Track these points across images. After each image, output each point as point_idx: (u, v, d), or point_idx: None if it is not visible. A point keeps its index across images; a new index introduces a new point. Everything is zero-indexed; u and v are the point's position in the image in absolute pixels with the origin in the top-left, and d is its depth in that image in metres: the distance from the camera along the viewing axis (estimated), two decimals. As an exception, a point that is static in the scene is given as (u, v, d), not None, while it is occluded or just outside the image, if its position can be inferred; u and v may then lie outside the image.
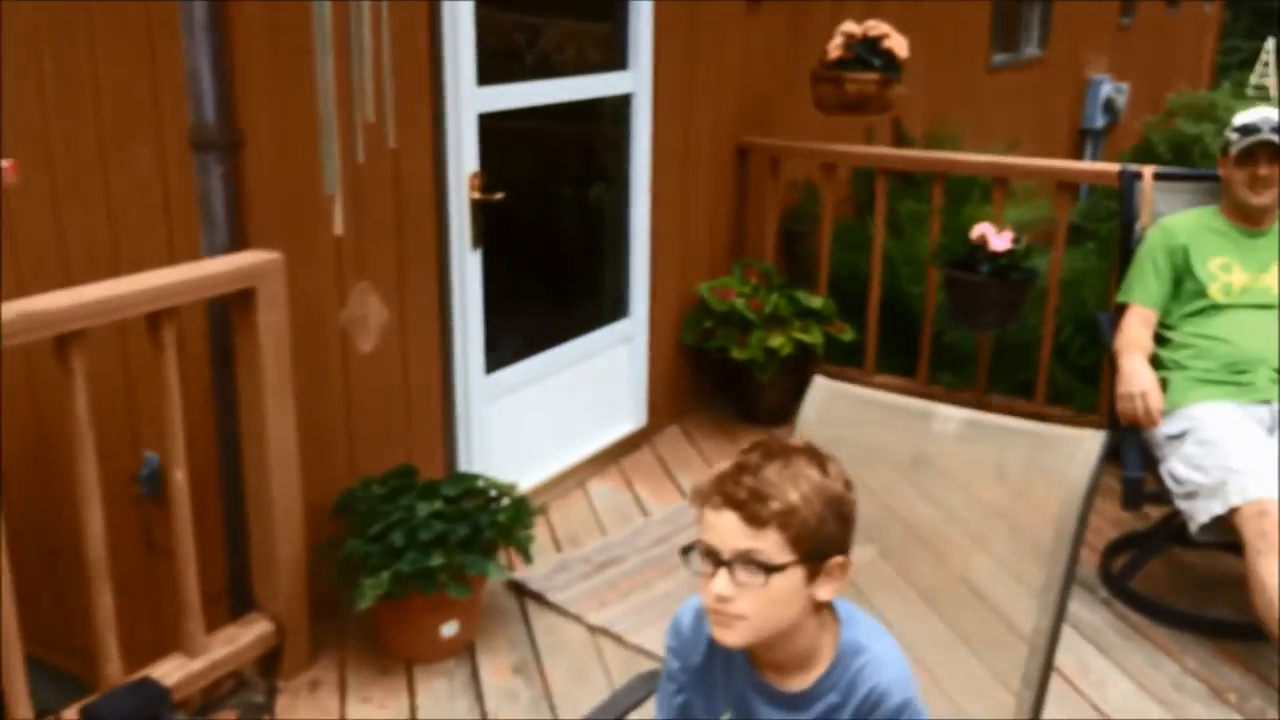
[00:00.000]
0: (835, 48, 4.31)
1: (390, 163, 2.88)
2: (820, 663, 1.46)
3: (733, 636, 1.41)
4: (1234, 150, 3.04)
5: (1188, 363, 3.02)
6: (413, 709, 2.69)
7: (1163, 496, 2.90)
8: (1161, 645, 2.97)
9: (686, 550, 1.45)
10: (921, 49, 6.15)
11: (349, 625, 2.93)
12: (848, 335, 4.38)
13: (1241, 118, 3.09)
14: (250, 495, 2.66)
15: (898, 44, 4.27)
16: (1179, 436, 2.89)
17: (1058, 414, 4.05)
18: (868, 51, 4.27)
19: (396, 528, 2.69)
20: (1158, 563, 3.33)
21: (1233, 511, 2.66)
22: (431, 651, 2.83)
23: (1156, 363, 3.11)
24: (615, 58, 3.81)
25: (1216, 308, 3.04)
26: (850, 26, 4.33)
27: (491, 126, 3.22)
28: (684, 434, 4.34)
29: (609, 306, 4.04)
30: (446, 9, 2.99)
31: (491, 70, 3.19)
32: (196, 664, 2.55)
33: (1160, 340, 3.13)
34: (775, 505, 1.38)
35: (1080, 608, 3.14)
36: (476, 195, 3.19)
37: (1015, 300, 3.83)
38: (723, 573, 1.39)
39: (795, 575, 1.39)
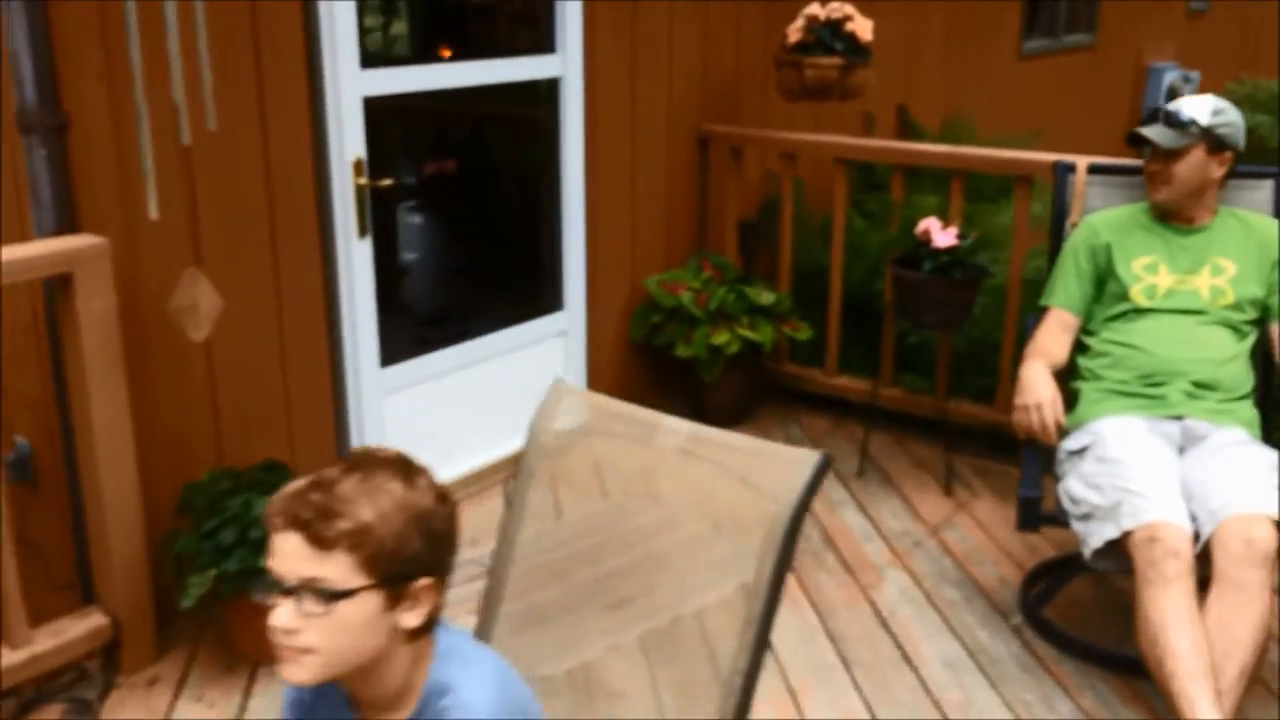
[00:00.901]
0: (795, 30, 4.09)
1: (232, 145, 2.80)
2: (410, 702, 1.32)
3: (301, 673, 1.28)
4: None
5: (1102, 372, 2.77)
6: (243, 709, 2.61)
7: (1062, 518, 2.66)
8: (1062, 681, 2.72)
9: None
10: (937, 34, 5.88)
11: (206, 622, 2.86)
12: (803, 334, 4.17)
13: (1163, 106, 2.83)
14: (84, 486, 2.60)
15: (861, 27, 4.04)
16: (1080, 453, 2.64)
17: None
18: (830, 35, 4.05)
19: (229, 524, 2.61)
20: (1090, 589, 3.08)
21: (1125, 536, 2.41)
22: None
23: (1075, 372, 2.85)
24: (544, 40, 3.67)
25: (1138, 312, 2.78)
26: (814, 9, 4.11)
27: (413, 107, 3.13)
28: (629, 433, 4.18)
29: (541, 298, 3.91)
30: (321, -12, 2.90)
31: (419, 47, 3.10)
32: (18, 655, 2.51)
33: (1081, 348, 2.88)
34: (344, 524, 1.24)
35: (988, 636, 2.91)
36: (362, 181, 3.09)
37: (960, 300, 3.59)
38: (286, 603, 1.25)
39: (370, 602, 1.26)
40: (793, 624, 2.97)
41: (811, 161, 4.45)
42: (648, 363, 4.27)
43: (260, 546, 2.57)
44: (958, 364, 4.06)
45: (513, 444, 3.83)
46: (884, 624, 2.98)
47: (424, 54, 3.26)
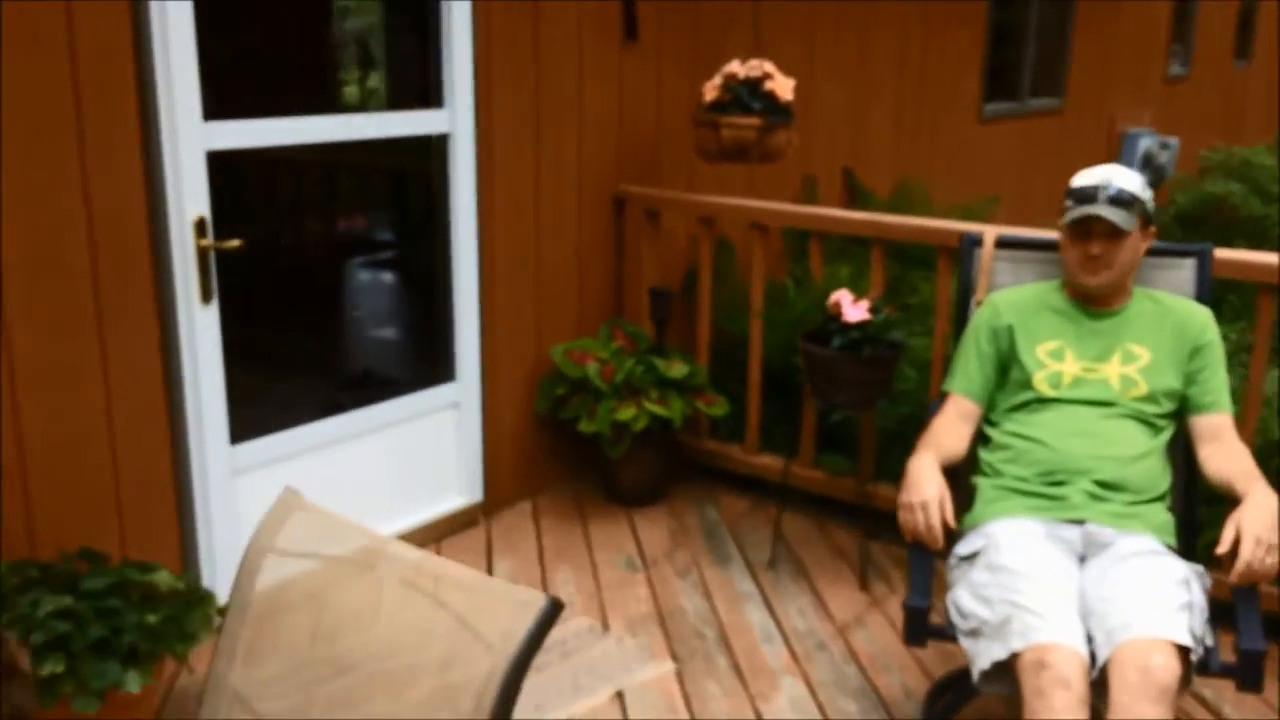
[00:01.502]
0: (712, 89, 3.87)
1: (44, 200, 2.55)
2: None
3: None
4: (1066, 220, 2.51)
5: (1001, 467, 2.48)
6: (16, 840, 2.31)
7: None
8: (955, 815, 2.41)
9: None
10: (889, 95, 5.67)
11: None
12: (718, 409, 3.89)
13: (1079, 178, 2.55)
14: None
15: (780, 86, 3.81)
16: (971, 559, 2.35)
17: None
18: (748, 94, 3.82)
19: (14, 625, 2.32)
20: (1003, 705, 2.77)
21: (1013, 657, 2.11)
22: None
23: (975, 467, 2.57)
24: (430, 94, 3.44)
25: (1042, 402, 2.50)
26: (733, 66, 3.89)
27: (281, 158, 2.89)
28: (532, 513, 3.89)
29: (427, 368, 3.64)
30: (156, 33, 2.66)
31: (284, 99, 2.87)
32: None
33: (983, 439, 2.60)
34: None
35: (881, 757, 2.60)
36: (205, 243, 2.83)
37: (872, 378, 3.31)
38: None
39: None
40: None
41: (740, 226, 4.21)
42: (554, 437, 3.99)
43: (43, 653, 2.28)
44: (883, 444, 3.78)
45: (396, 524, 3.59)
46: (766, 743, 2.67)
47: (286, 105, 3.01)
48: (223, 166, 2.86)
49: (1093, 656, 2.10)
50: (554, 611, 1.22)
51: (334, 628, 1.34)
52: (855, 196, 5.48)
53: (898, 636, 3.12)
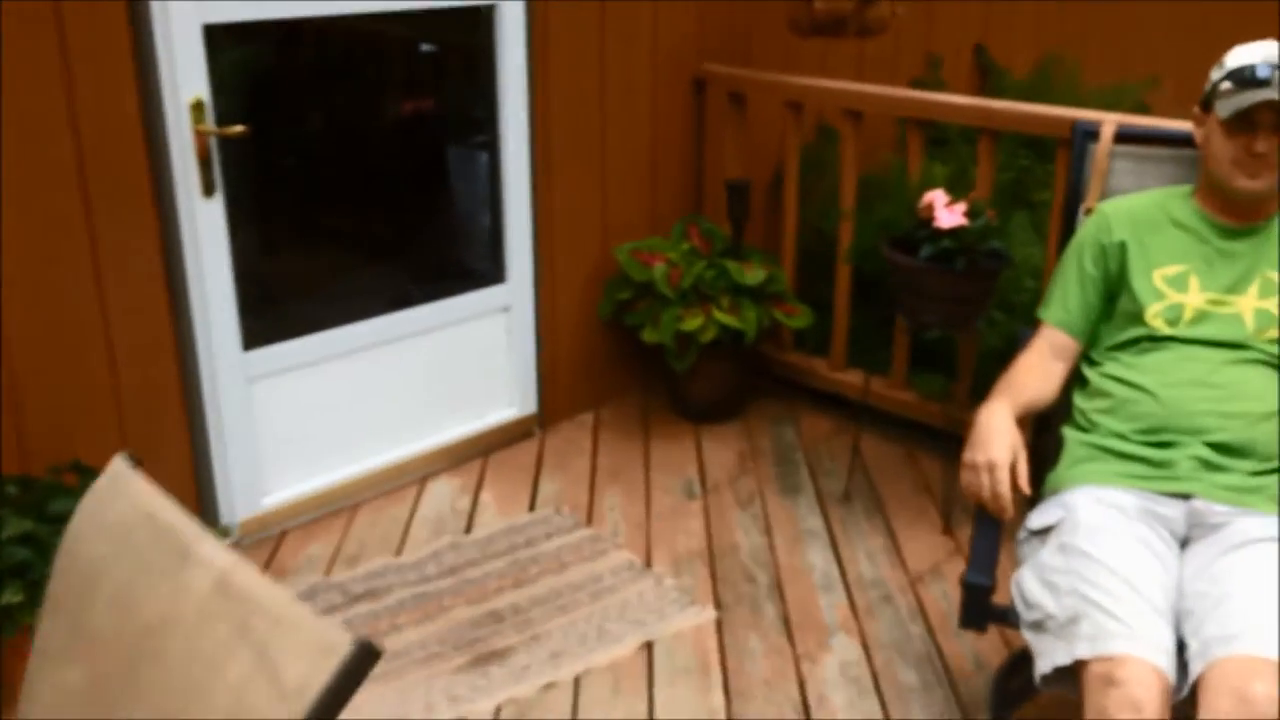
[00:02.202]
0: (805, -48, 3.36)
1: (16, 83, 2.30)
2: None
3: None
4: (1221, 109, 1.99)
5: (1096, 418, 2.04)
6: (-16, 772, 2.18)
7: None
8: (1012, 821, 2.06)
9: None
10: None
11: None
12: (799, 320, 3.48)
13: (1239, 55, 2.02)
14: None
15: (882, -53, 3.28)
16: (1043, 533, 1.94)
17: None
18: (845, -43, 3.30)
19: (-25, 548, 2.15)
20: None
21: (1078, 665, 1.72)
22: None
23: (1069, 415, 2.13)
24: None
25: (1154, 340, 2.03)
26: (832, -75, 3.36)
27: (321, 30, 2.62)
28: (592, 426, 3.59)
29: (475, 268, 3.34)
30: (135, -109, 2.35)
31: None
32: None
33: (1079, 380, 2.15)
34: None
35: (935, 742, 2.26)
36: (204, 128, 2.56)
37: (967, 295, 2.85)
38: None
39: None
40: (684, 705, 2.36)
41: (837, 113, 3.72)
42: (620, 344, 3.66)
43: (4, 580, 2.12)
44: (988, 364, 3.31)
45: (438, 437, 3.32)
46: (805, 717, 2.35)
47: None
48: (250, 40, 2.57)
49: (1183, 669, 1.68)
50: (362, 662, 0.91)
51: (134, 645, 1.06)
52: (987, 77, 4.87)
53: (979, 592, 2.73)
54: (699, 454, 3.42)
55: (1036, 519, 1.97)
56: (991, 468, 1.93)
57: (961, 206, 2.80)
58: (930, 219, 2.82)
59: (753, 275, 3.39)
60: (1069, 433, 2.08)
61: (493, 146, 3.24)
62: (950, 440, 3.18)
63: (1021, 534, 2.00)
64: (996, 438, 1.96)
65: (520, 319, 3.38)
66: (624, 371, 3.72)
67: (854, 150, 3.35)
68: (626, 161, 3.51)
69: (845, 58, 4.05)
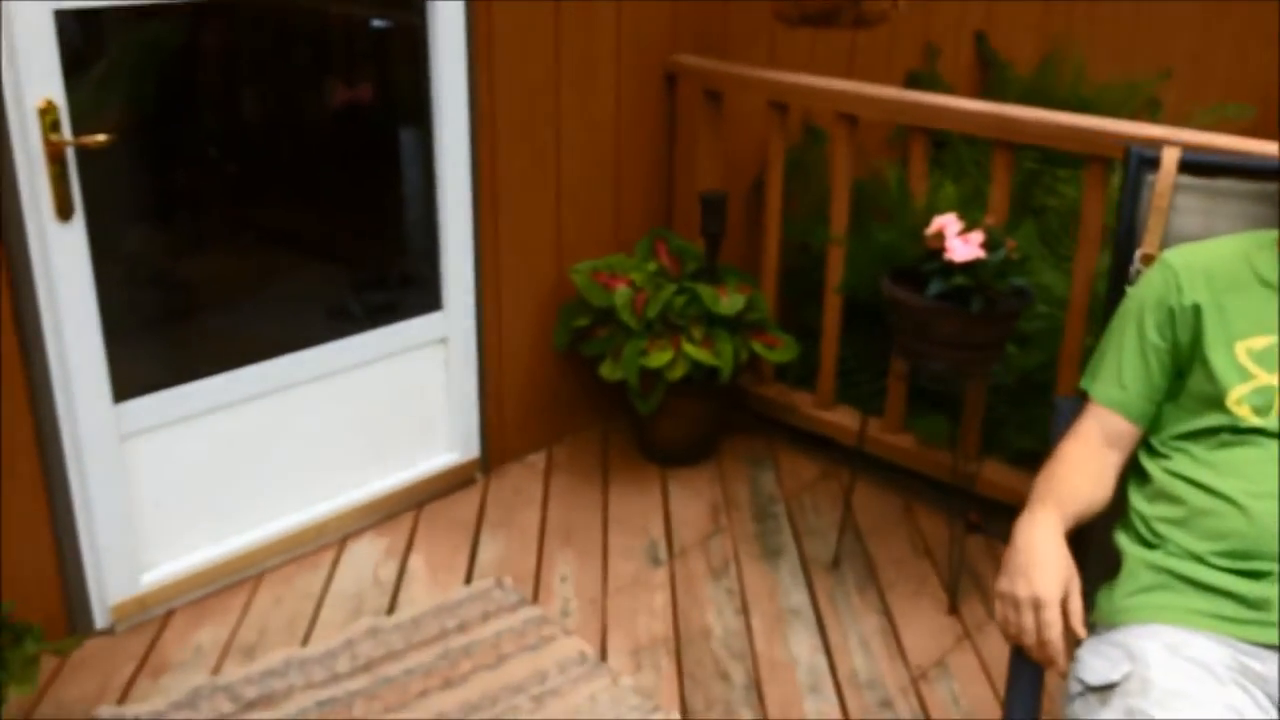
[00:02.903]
0: (793, -74, 2.90)
1: None
2: None
3: None
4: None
5: (1164, 531, 1.60)
6: None
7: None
8: None
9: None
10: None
11: None
12: (782, 354, 3.04)
13: None
14: None
15: (883, -75, 2.82)
16: (1104, 692, 1.50)
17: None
18: (840, -67, 2.84)
19: None
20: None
21: None
22: None
23: (1122, 516, 1.70)
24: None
25: (1237, 433, 1.59)
26: (824, -102, 2.90)
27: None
28: (544, 469, 3.14)
29: (404, 294, 2.88)
30: None
31: None
32: None
33: (1137, 471, 1.71)
34: None
35: None
36: (57, 139, 2.08)
37: (983, 339, 2.42)
38: None
39: None
40: None
41: (828, 115, 3.28)
42: (576, 376, 3.21)
43: None
44: (997, 406, 2.89)
45: (359, 492, 2.77)
46: None
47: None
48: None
49: None
50: None
51: None
52: (989, 70, 4.42)
53: (993, 691, 2.32)
54: (665, 505, 2.98)
55: (1093, 669, 1.53)
56: (1038, 606, 1.49)
57: (977, 236, 2.35)
58: (940, 250, 2.38)
59: (729, 303, 2.94)
60: (1127, 545, 1.65)
61: (427, 151, 2.77)
62: (954, 495, 2.76)
63: (1073, 686, 1.56)
64: (1044, 566, 1.52)
65: (460, 351, 2.93)
66: (582, 405, 3.28)
67: (847, 159, 2.90)
68: (586, 167, 3.05)
69: (835, 48, 3.60)
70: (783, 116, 3.03)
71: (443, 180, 2.76)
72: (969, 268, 2.34)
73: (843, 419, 3.11)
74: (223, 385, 2.48)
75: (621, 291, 2.95)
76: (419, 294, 2.85)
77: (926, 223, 2.47)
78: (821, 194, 3.52)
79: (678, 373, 2.89)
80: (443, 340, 2.88)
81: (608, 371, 2.94)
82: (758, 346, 3.01)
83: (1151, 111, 4.54)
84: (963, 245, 2.35)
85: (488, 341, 2.97)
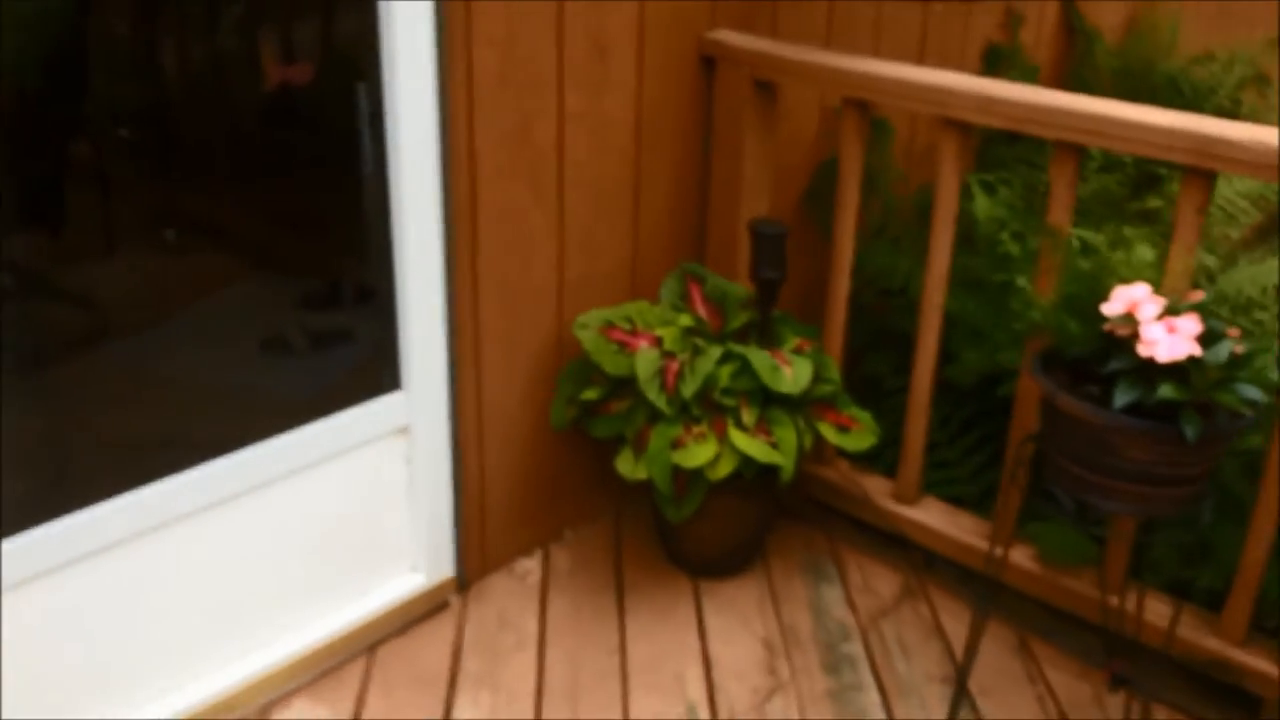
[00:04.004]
0: None
1: None
2: None
3: None
4: None
5: None
6: None
7: None
8: None
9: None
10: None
11: None
12: (859, 440, 2.27)
13: None
14: None
15: None
16: None
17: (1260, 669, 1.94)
18: None
19: None
20: None
21: None
22: None
23: None
24: None
25: None
26: None
27: None
28: (539, 584, 2.38)
29: (350, 371, 2.10)
30: None
31: None
32: None
33: None
34: None
35: None
36: None
37: (1188, 473, 1.66)
38: None
39: None
40: None
41: (912, 116, 2.51)
42: (583, 456, 2.45)
43: None
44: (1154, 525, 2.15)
45: (289, 642, 1.97)
46: None
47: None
48: None
49: None
50: None
51: None
52: (1075, 39, 3.65)
53: None
54: (703, 642, 2.23)
55: None
56: None
57: (1189, 323, 1.59)
58: (1130, 338, 1.62)
59: (795, 377, 2.16)
60: None
61: (379, 162, 1.98)
62: (1098, 635, 2.03)
63: None
64: None
65: (427, 442, 2.15)
66: (588, 489, 2.52)
67: (954, 181, 2.12)
68: (597, 184, 2.26)
69: (904, 20, 2.82)
70: (861, 116, 2.24)
71: (400, 206, 1.97)
72: (1177, 370, 1.58)
73: (932, 519, 2.36)
74: (97, 519, 1.70)
75: (645, 356, 2.18)
76: (371, 372, 2.07)
77: (1095, 288, 1.71)
78: (887, 208, 2.76)
79: (722, 471, 2.13)
80: (403, 430, 2.11)
81: (627, 469, 2.17)
82: (826, 430, 2.25)
83: (1260, 86, 3.79)
84: (1167, 337, 1.58)
85: (464, 424, 2.20)
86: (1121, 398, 1.60)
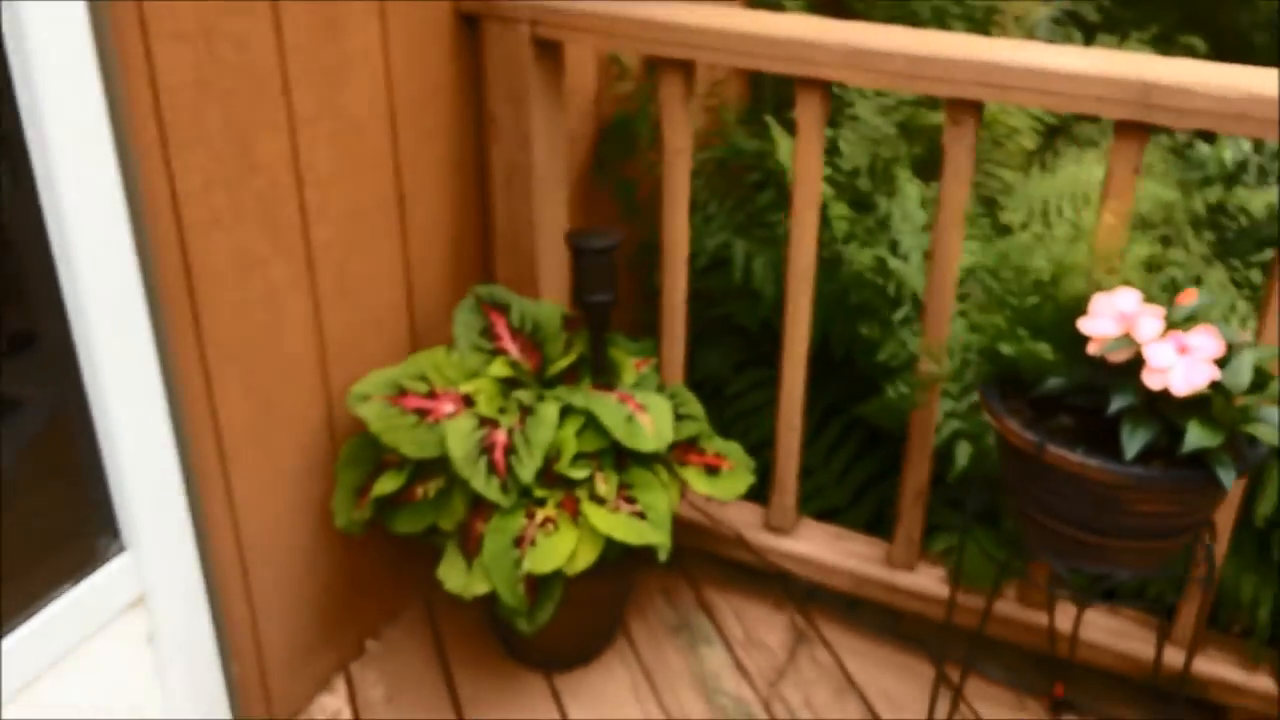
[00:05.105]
0: None
1: None
2: None
3: None
4: None
5: None
6: None
7: None
8: None
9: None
10: None
11: None
12: (731, 487, 1.83)
13: None
14: None
15: None
16: None
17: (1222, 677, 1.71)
18: None
19: None
20: None
21: None
22: None
23: None
24: None
25: None
26: None
27: None
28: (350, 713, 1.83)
29: (42, 552, 1.43)
30: None
31: None
32: None
33: None
34: None
35: None
36: None
37: (1202, 516, 1.34)
38: None
39: None
40: None
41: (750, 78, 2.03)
42: (387, 556, 1.89)
43: None
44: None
45: None
46: None
47: None
48: None
49: None
50: None
51: None
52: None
53: None
54: (581, 768, 1.77)
55: None
56: None
57: (1205, 341, 1.24)
58: (1133, 364, 1.25)
59: (657, 430, 1.69)
60: None
61: (32, 223, 1.31)
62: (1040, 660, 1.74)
63: None
64: None
65: (174, 605, 1.53)
66: (392, 580, 1.96)
67: (817, 160, 1.68)
68: (349, 206, 1.66)
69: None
70: (686, 80, 1.75)
71: (76, 298, 1.31)
72: (1196, 402, 1.23)
73: (817, 549, 1.98)
74: None
75: (457, 428, 1.64)
76: (76, 536, 1.41)
77: (1054, 293, 1.33)
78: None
79: (582, 564, 1.65)
80: (137, 602, 1.48)
81: (458, 582, 1.64)
82: (693, 477, 1.80)
83: None
84: (1180, 361, 1.23)
85: (219, 565, 1.58)
86: (1133, 444, 1.24)
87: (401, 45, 1.68)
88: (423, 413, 1.69)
